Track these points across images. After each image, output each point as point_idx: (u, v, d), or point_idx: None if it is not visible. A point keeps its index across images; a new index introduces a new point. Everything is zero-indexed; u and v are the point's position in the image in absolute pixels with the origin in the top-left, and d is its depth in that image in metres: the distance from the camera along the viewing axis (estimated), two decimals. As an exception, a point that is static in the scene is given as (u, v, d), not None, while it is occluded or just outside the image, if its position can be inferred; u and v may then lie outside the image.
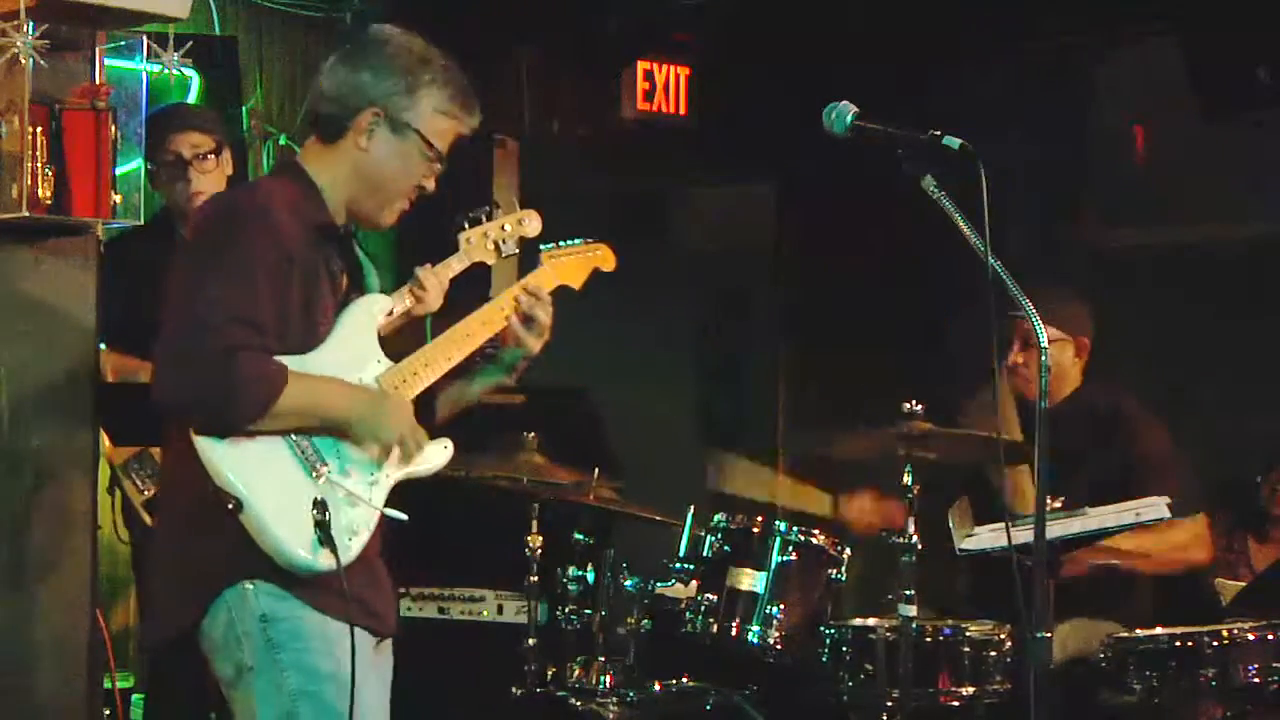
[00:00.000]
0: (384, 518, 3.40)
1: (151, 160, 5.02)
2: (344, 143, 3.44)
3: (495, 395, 3.63)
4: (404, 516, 3.40)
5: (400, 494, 3.47)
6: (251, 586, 3.29)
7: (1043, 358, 3.48)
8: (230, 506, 3.23)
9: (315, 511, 3.24)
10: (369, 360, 3.45)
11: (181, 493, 3.38)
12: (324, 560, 3.25)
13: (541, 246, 3.74)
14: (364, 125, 3.42)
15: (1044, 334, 3.49)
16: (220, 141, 5.10)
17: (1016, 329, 5.15)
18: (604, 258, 3.86)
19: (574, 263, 3.79)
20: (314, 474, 3.31)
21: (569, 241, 3.79)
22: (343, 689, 3.26)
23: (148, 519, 4.93)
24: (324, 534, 3.23)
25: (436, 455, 3.50)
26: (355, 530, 3.33)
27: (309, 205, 3.42)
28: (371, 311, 3.49)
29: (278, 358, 3.29)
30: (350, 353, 3.43)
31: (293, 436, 3.31)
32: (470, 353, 3.57)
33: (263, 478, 3.26)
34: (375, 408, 3.38)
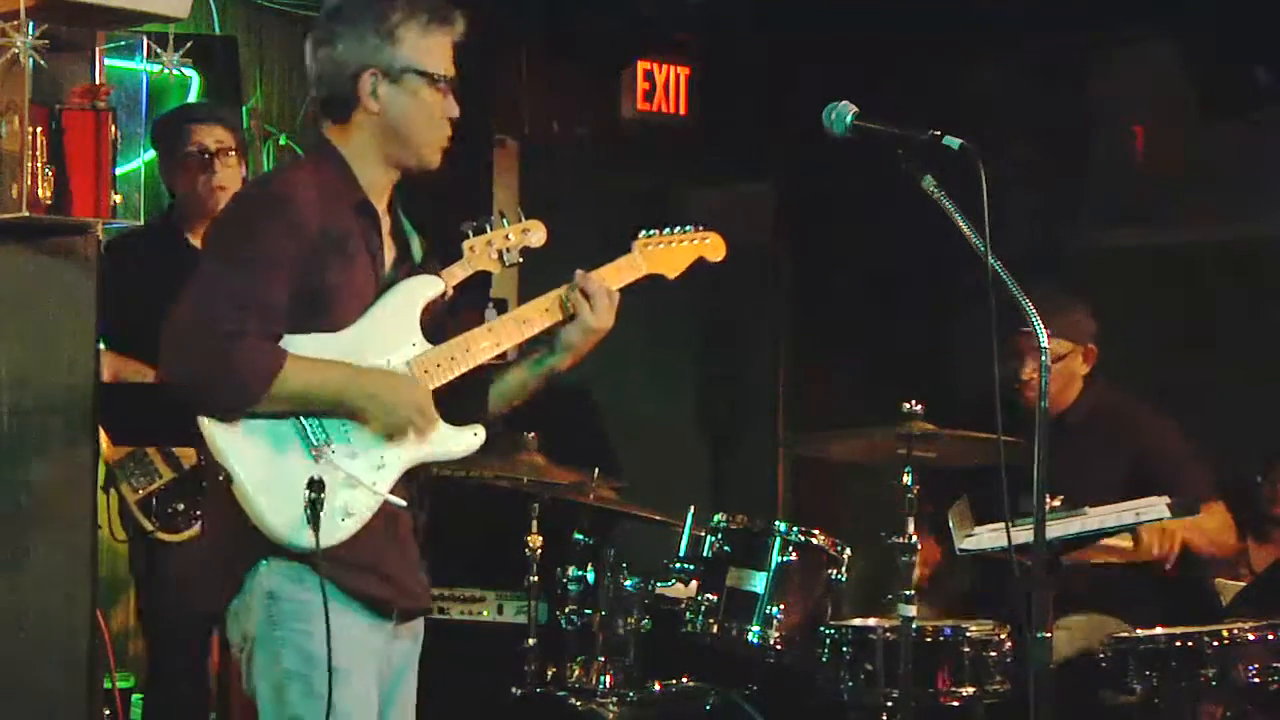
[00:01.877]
0: (401, 500, 3.41)
1: (170, 153, 5.04)
2: (356, 115, 3.45)
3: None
4: (403, 503, 3.40)
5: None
6: (266, 563, 3.33)
7: (1043, 357, 3.48)
8: (221, 478, 3.31)
9: (310, 490, 3.25)
10: (404, 342, 3.45)
11: (212, 477, 3.43)
12: (308, 538, 3.27)
13: (641, 233, 3.72)
14: (365, 90, 3.43)
15: (1044, 334, 3.48)
16: (240, 140, 5.14)
17: (1025, 345, 5.09)
18: (712, 247, 3.83)
19: (674, 251, 3.76)
20: (314, 454, 3.33)
21: (672, 229, 3.76)
22: (338, 677, 3.28)
23: (143, 519, 4.93)
24: (312, 513, 3.25)
25: (462, 441, 3.49)
26: (350, 512, 3.34)
27: (343, 184, 3.44)
28: (417, 293, 3.49)
29: (294, 337, 3.32)
30: (385, 333, 3.43)
31: (300, 417, 3.34)
32: (522, 341, 3.57)
33: (257, 454, 3.30)
34: (380, 389, 3.37)
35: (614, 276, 3.65)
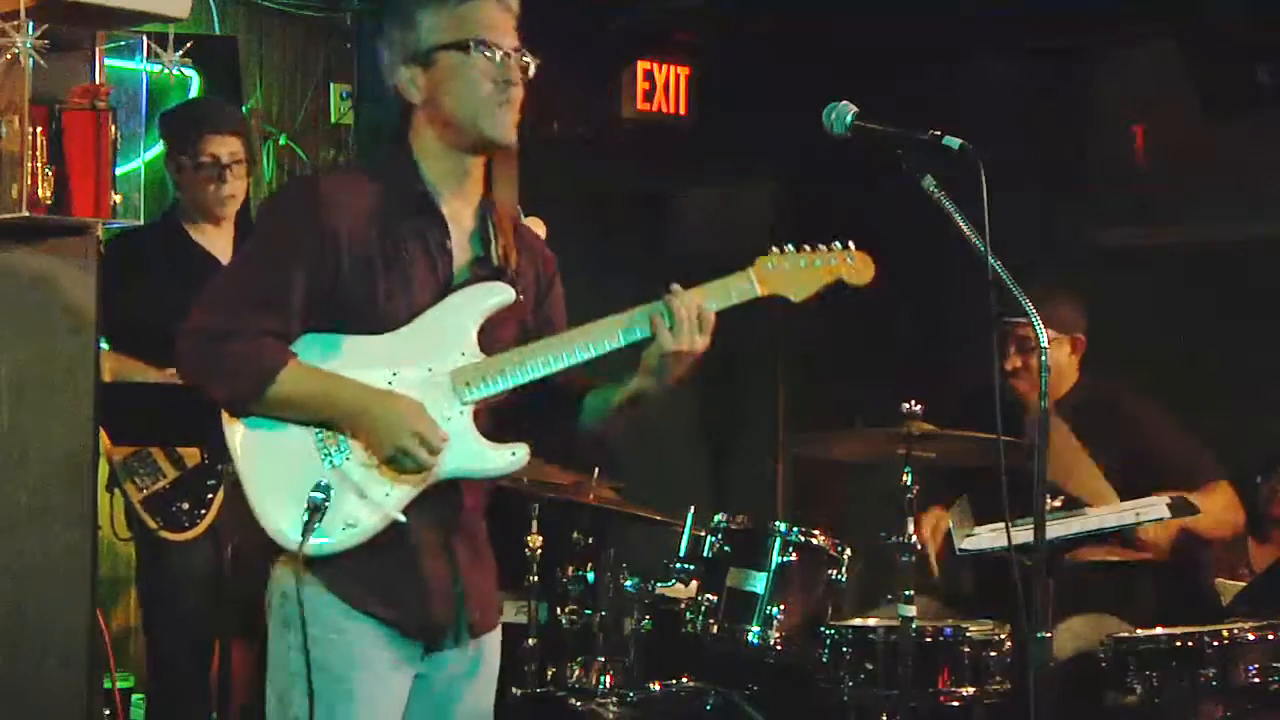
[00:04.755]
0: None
1: (181, 155, 5.07)
2: (415, 116, 3.36)
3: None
4: (403, 519, 3.28)
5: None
6: (282, 560, 3.29)
7: (1043, 358, 3.48)
8: (229, 472, 3.31)
9: (315, 494, 3.20)
10: (452, 350, 3.30)
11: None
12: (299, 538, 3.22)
13: (780, 246, 3.48)
14: (405, 86, 3.35)
15: (1044, 334, 3.48)
16: (250, 149, 5.18)
17: (1011, 335, 5.15)
18: (855, 270, 3.53)
19: (800, 273, 3.51)
20: (328, 460, 3.26)
21: (801, 246, 3.53)
22: (341, 687, 3.25)
23: (147, 518, 4.94)
24: (309, 516, 3.20)
25: (499, 460, 3.33)
26: (353, 522, 3.25)
27: (403, 181, 3.33)
28: (479, 300, 3.34)
29: (329, 336, 3.26)
30: (432, 339, 3.30)
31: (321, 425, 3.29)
32: (580, 361, 3.36)
33: (266, 453, 3.26)
34: (378, 411, 3.25)
35: (714, 296, 3.43)
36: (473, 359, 3.32)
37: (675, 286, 3.38)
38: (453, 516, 3.37)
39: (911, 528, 4.69)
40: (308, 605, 3.23)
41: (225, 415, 3.30)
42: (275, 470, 3.27)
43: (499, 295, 3.36)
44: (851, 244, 3.56)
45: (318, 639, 3.25)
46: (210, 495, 4.94)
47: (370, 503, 3.27)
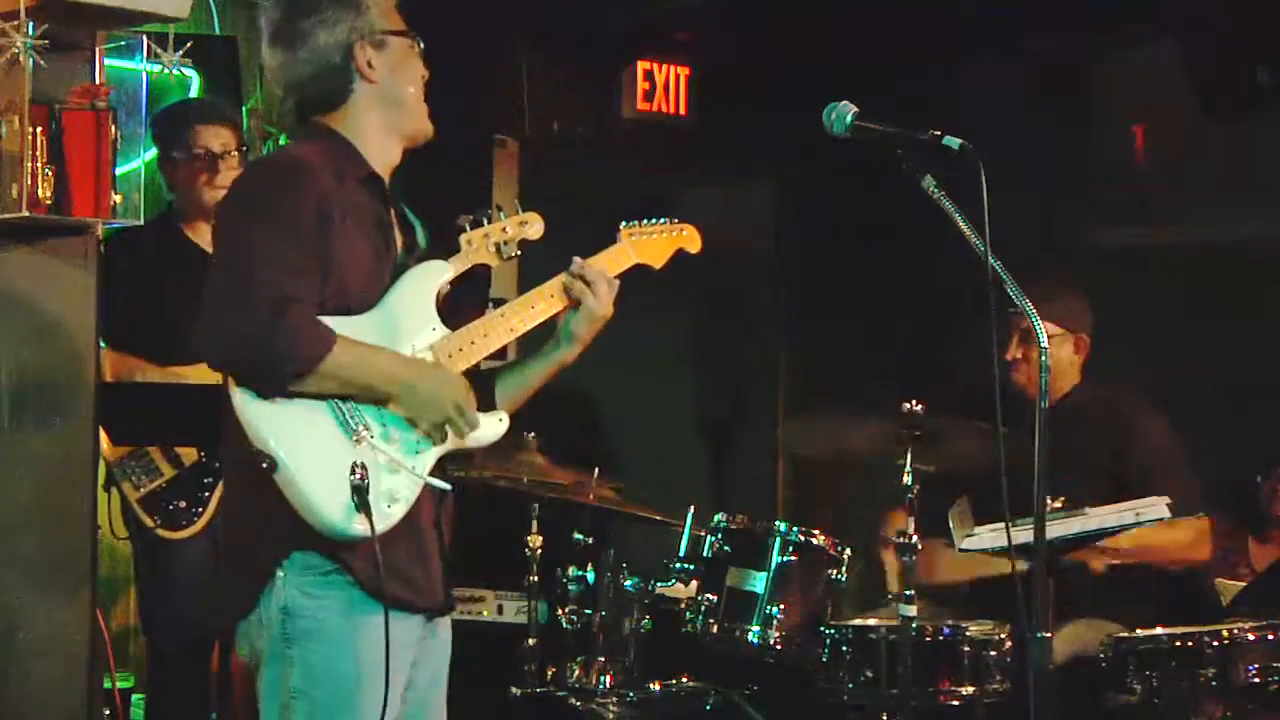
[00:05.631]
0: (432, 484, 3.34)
1: (173, 151, 5.05)
2: (352, 94, 3.42)
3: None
4: (448, 486, 3.34)
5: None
6: (282, 575, 3.24)
7: (1043, 357, 3.48)
8: (265, 465, 3.18)
9: (353, 475, 3.16)
10: (424, 327, 3.39)
11: (234, 477, 3.39)
12: (359, 526, 3.17)
13: (623, 224, 3.72)
14: (363, 61, 3.41)
15: (1044, 334, 3.49)
16: (242, 140, 5.15)
17: (1015, 325, 5.16)
18: (689, 238, 3.79)
19: (656, 242, 3.74)
20: (354, 437, 3.23)
21: (652, 220, 3.75)
22: (345, 696, 3.24)
23: (145, 517, 4.94)
24: (360, 499, 3.16)
25: (491, 427, 3.42)
26: (396, 497, 3.25)
27: (348, 161, 3.39)
28: (431, 277, 3.44)
29: (326, 319, 3.24)
30: (406, 317, 3.37)
31: (335, 399, 3.25)
32: (532, 327, 3.53)
33: (299, 437, 3.20)
34: (424, 383, 3.30)
35: (610, 264, 3.63)
36: (442, 334, 3.41)
37: (577, 259, 3.56)
38: (441, 492, 3.39)
39: (912, 527, 4.69)
40: (309, 618, 3.23)
41: (247, 405, 3.20)
42: (309, 456, 3.20)
43: (445, 273, 3.46)
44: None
45: (321, 652, 3.24)
46: (207, 493, 4.93)
47: (405, 474, 3.28)
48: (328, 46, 3.40)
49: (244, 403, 3.20)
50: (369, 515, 3.17)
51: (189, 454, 4.94)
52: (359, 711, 3.26)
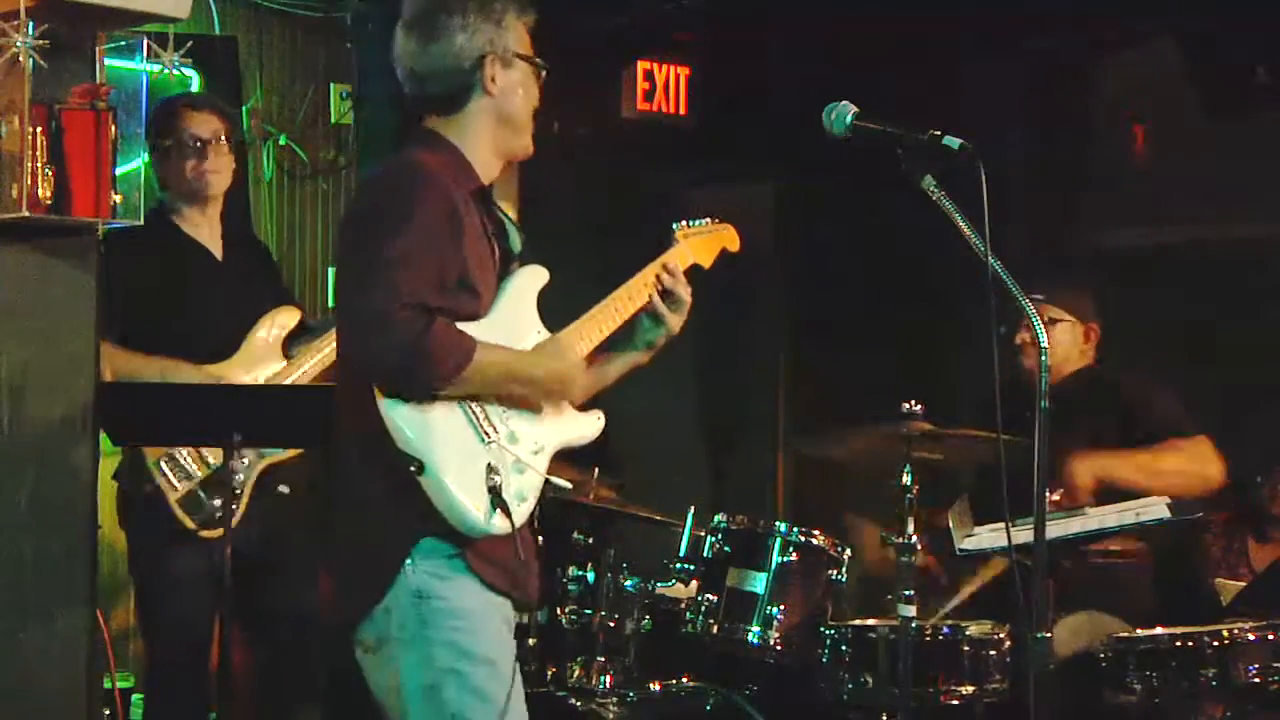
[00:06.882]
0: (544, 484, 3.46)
1: (163, 139, 5.03)
2: (471, 104, 3.51)
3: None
4: (569, 485, 3.50)
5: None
6: (410, 563, 3.32)
7: (1042, 357, 3.48)
8: (412, 469, 3.26)
9: (490, 476, 3.29)
10: (529, 330, 3.51)
11: (353, 476, 3.41)
12: (498, 523, 3.31)
13: (674, 224, 3.79)
14: (489, 75, 3.49)
15: (1044, 334, 3.49)
16: (230, 129, 5.13)
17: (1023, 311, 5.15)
18: (730, 238, 3.89)
19: (706, 241, 3.83)
20: (486, 439, 3.35)
21: (697, 221, 3.83)
22: (490, 669, 3.32)
23: (185, 518, 4.88)
24: (498, 498, 3.29)
25: (592, 425, 3.60)
26: (524, 496, 3.40)
27: (461, 171, 3.47)
28: (534, 281, 3.55)
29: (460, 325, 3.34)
30: (514, 322, 3.48)
31: (468, 402, 3.34)
32: (616, 328, 3.62)
33: (442, 440, 3.29)
34: (566, 370, 3.46)
35: (697, 257, 3.76)
36: (544, 336, 3.51)
37: (672, 264, 3.67)
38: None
39: (911, 527, 4.69)
40: (443, 599, 3.31)
41: (394, 411, 3.26)
42: (457, 459, 3.30)
43: (542, 278, 3.56)
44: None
45: (462, 629, 3.33)
46: (239, 491, 4.89)
47: (531, 474, 3.43)
48: (462, 50, 3.49)
49: (389, 408, 3.28)
50: (508, 514, 3.31)
51: (216, 454, 4.91)
52: (506, 685, 3.34)
